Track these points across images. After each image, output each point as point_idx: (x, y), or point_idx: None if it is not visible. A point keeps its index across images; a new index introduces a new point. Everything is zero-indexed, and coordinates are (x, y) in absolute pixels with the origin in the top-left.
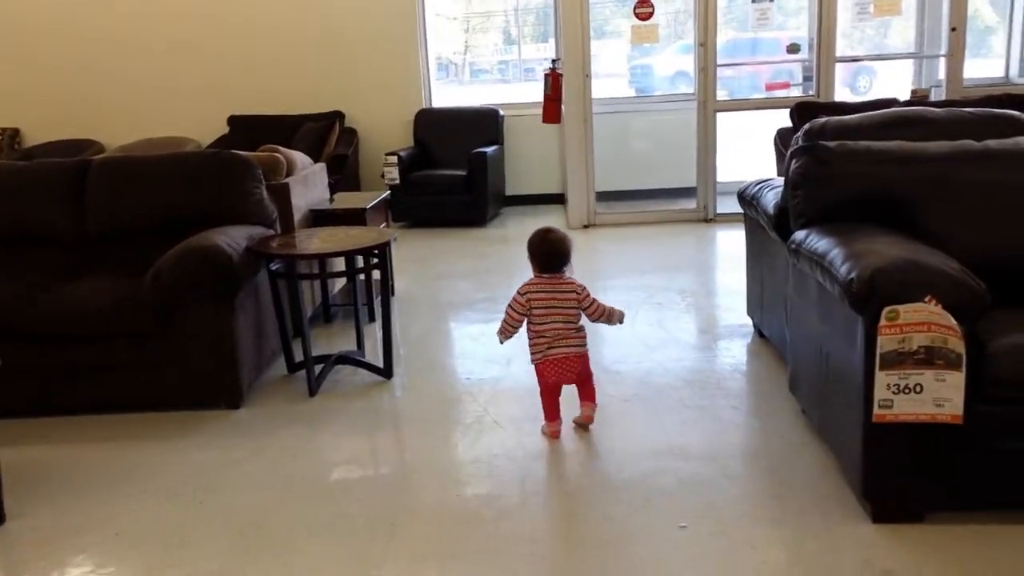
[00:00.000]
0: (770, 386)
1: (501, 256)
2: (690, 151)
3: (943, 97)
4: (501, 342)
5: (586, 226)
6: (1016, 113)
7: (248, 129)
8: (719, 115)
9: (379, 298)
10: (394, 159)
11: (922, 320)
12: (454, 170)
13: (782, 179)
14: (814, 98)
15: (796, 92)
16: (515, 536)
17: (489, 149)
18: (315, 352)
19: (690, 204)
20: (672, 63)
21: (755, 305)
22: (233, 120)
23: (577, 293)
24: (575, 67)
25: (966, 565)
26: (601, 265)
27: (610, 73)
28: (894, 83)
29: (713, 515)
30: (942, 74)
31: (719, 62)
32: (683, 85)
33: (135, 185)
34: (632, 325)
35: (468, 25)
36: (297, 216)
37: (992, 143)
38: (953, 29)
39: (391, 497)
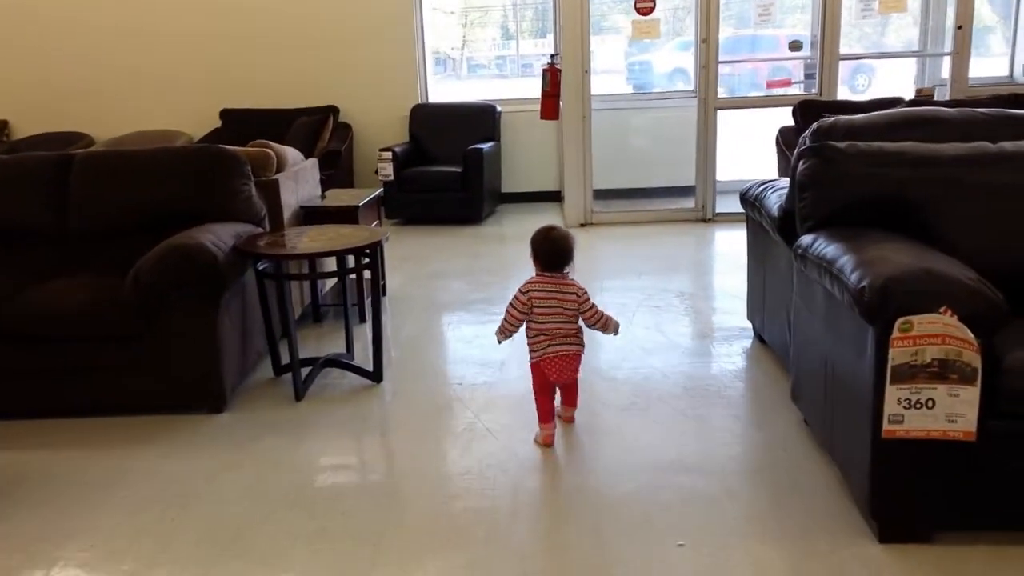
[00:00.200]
0: (771, 395)
1: (497, 255)
2: (689, 149)
3: (947, 96)
4: (499, 342)
5: (583, 225)
6: None
7: (241, 123)
8: (719, 113)
9: (370, 299)
10: (388, 155)
11: (936, 332)
12: (449, 167)
13: (786, 180)
14: (817, 96)
15: (797, 90)
16: (506, 554)
17: (485, 145)
18: (303, 354)
19: (688, 203)
20: (670, 60)
21: (756, 309)
22: (226, 113)
23: (577, 296)
24: (574, 62)
25: None
26: (598, 265)
27: (608, 69)
28: (893, 82)
29: (713, 533)
30: (944, 73)
31: (720, 59)
32: (681, 82)
33: (119, 181)
34: (629, 328)
35: (466, 19)
36: (287, 213)
37: (1008, 145)
38: (959, 27)
39: (377, 511)
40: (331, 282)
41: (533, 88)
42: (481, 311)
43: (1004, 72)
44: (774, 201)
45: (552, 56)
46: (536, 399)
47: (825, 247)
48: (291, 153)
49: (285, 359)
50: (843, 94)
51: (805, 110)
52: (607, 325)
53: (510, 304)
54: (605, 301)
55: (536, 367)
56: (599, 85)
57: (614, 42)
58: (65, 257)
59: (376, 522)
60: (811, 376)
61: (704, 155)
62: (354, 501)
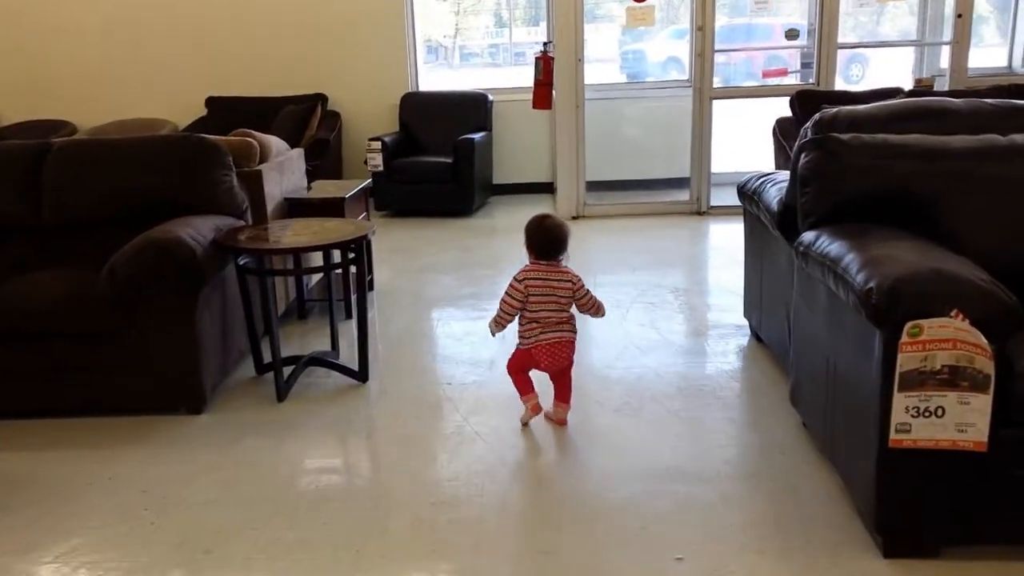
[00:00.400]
0: (769, 396)
1: (488, 248)
2: (683, 140)
3: (947, 87)
4: (493, 334)
5: (575, 217)
6: None
7: (227, 111)
8: (714, 103)
9: (356, 296)
10: (378, 145)
11: (947, 337)
12: (440, 157)
13: (786, 173)
14: (814, 86)
15: (794, 80)
16: (494, 565)
17: (477, 135)
18: (287, 351)
19: (683, 196)
20: (665, 48)
21: (753, 306)
22: (211, 101)
23: (572, 283)
24: (567, 51)
25: None
26: (591, 259)
27: (602, 58)
28: (888, 72)
29: (712, 546)
30: (942, 63)
31: (716, 47)
32: (675, 71)
33: (96, 171)
34: (622, 325)
35: (459, 7)
36: (271, 205)
37: (1018, 137)
38: (959, 16)
39: (360, 518)
40: (317, 277)
41: (526, 77)
42: (471, 306)
43: (1002, 62)
44: (773, 195)
45: (545, 44)
46: (513, 378)
47: (828, 244)
48: (275, 143)
49: (268, 357)
50: (838, 84)
51: (803, 100)
52: (598, 310)
53: (506, 294)
54: (599, 296)
55: (527, 354)
56: (593, 74)
57: (608, 30)
58: (39, 250)
59: (359, 530)
60: (811, 378)
61: (699, 146)
62: (336, 507)
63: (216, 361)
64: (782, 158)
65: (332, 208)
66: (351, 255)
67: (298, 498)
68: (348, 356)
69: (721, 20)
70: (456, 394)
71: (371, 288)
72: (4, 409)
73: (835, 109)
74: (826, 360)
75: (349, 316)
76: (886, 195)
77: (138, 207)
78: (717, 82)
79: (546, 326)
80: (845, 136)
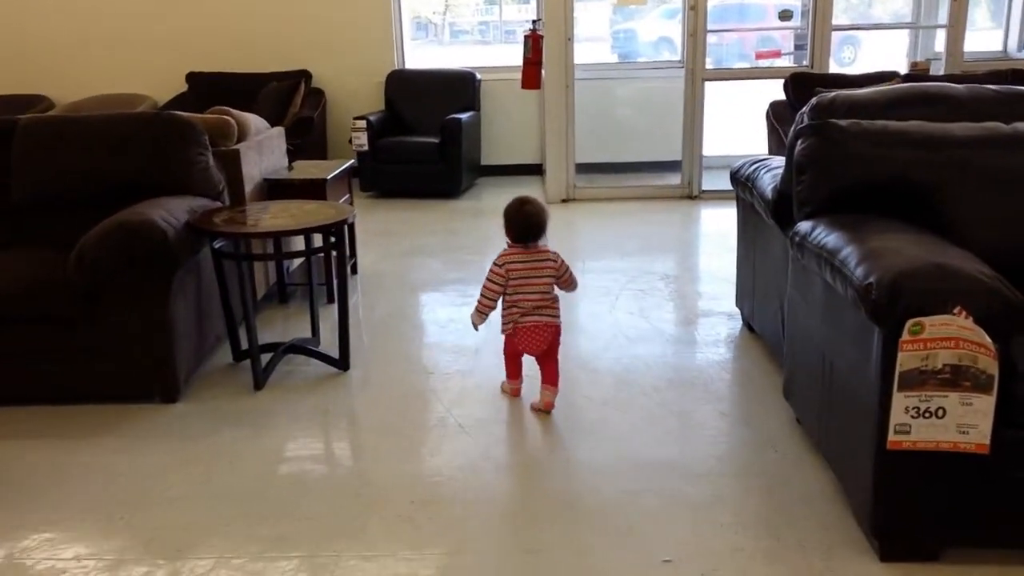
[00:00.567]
0: (761, 388)
1: (475, 231)
2: (675, 122)
3: (943, 71)
4: (476, 327)
5: (565, 200)
6: None
7: (208, 87)
8: (707, 85)
9: (337, 282)
10: (363, 124)
11: (950, 335)
12: (427, 137)
13: (781, 159)
14: (808, 69)
15: (787, 62)
16: (476, 566)
17: (464, 115)
18: (268, 337)
19: (674, 179)
20: (656, 28)
21: (745, 295)
22: (192, 77)
23: (554, 262)
24: (557, 30)
25: None
26: (579, 244)
27: (592, 37)
28: (881, 55)
29: (702, 547)
30: (938, 47)
31: (709, 28)
32: (667, 52)
33: (65, 149)
34: (611, 313)
35: None
36: (249, 186)
37: (1022, 125)
38: None
39: (338, 516)
40: (299, 260)
41: (516, 55)
42: (457, 292)
43: (996, 46)
44: (768, 182)
45: (534, 22)
46: (506, 364)
47: (825, 235)
48: (254, 121)
49: (246, 343)
50: (831, 67)
51: (797, 83)
52: (575, 284)
53: (487, 280)
54: (586, 283)
55: (508, 339)
56: (583, 54)
57: (599, 8)
58: (7, 231)
59: (336, 528)
60: (806, 373)
61: (691, 129)
62: (314, 504)
63: (191, 347)
64: (775, 142)
65: (313, 190)
66: (332, 239)
67: (274, 494)
68: (330, 343)
69: (714, 0)
70: (440, 384)
71: (354, 272)
72: None
73: (832, 93)
74: (821, 355)
75: (331, 300)
76: (886, 184)
77: (110, 187)
78: (709, 63)
79: (526, 310)
80: (844, 122)
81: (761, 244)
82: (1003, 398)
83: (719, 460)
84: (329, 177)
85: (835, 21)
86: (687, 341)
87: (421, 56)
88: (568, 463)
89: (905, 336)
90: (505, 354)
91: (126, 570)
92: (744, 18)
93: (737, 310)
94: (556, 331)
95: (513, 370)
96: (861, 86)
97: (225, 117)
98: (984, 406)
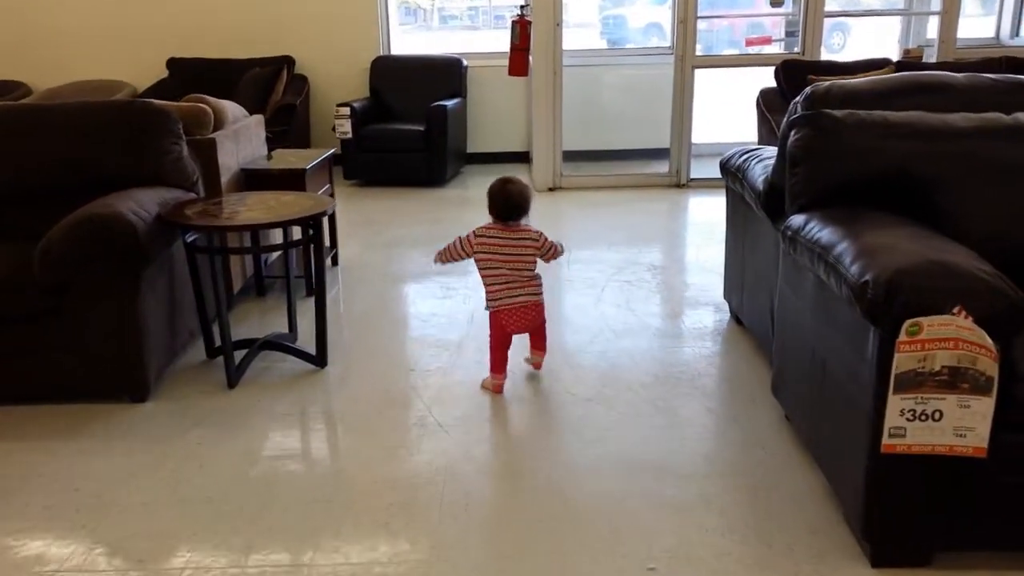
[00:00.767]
0: (749, 384)
1: (460, 221)
2: (664, 110)
3: (935, 58)
4: (434, 263)
5: (551, 189)
6: None
7: (189, 73)
8: (696, 72)
9: (315, 276)
10: (346, 111)
11: (949, 336)
12: (412, 124)
13: (772, 149)
14: (799, 56)
15: (777, 49)
16: (454, 573)
17: (450, 102)
18: (244, 332)
19: (662, 167)
20: (646, 14)
21: (733, 288)
22: (173, 63)
23: (535, 241)
24: (545, 15)
25: None
26: (566, 233)
27: (581, 23)
28: (871, 41)
29: (688, 554)
30: (930, 34)
31: (699, 14)
32: (655, 38)
33: (33, 139)
34: (597, 306)
35: None
36: (225, 177)
37: None
38: None
39: (311, 520)
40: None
41: (504, 41)
42: (441, 284)
43: (988, 33)
44: (759, 173)
45: (522, 7)
46: (491, 352)
47: (819, 230)
48: (231, 108)
49: (221, 340)
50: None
51: (788, 71)
52: (558, 253)
53: (460, 239)
54: (572, 275)
55: (494, 316)
56: (571, 40)
57: None
58: None
59: (309, 534)
60: (796, 370)
61: (680, 117)
62: (285, 509)
63: (162, 344)
64: (765, 130)
65: (292, 180)
66: (310, 232)
67: (244, 499)
68: (308, 337)
69: None
70: (420, 380)
71: (335, 263)
72: None
73: (827, 83)
74: (812, 352)
75: (311, 293)
76: (883, 177)
77: (79, 178)
78: (699, 50)
79: (511, 287)
80: (839, 112)
81: (751, 236)
82: (1002, 400)
83: (706, 459)
84: (309, 167)
85: (827, 7)
86: (674, 334)
87: (409, 42)
88: (550, 463)
89: (902, 337)
90: (491, 338)
91: (100, 572)
92: (734, 4)
93: (725, 302)
94: (540, 308)
95: (498, 360)
96: (854, 74)
97: (200, 105)
98: (983, 408)
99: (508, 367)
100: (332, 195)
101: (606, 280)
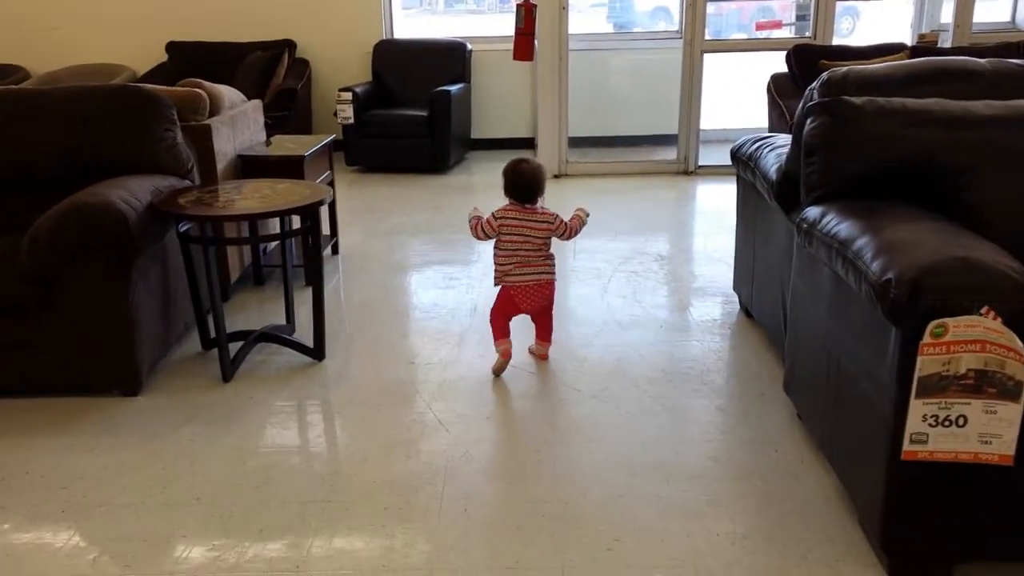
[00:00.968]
0: (760, 381)
1: (463, 209)
2: (672, 95)
3: (950, 43)
4: (471, 227)
5: (557, 176)
6: None
7: (188, 57)
8: (705, 56)
9: (313, 268)
10: (348, 96)
11: (975, 338)
12: (415, 110)
13: (785, 137)
14: (811, 40)
15: (788, 33)
16: None
17: (454, 87)
18: (241, 323)
19: (670, 154)
20: None
21: (743, 280)
22: (172, 47)
23: (550, 223)
24: None
25: None
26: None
27: (587, 6)
28: (881, 26)
29: (696, 564)
30: (943, 18)
31: None
32: (663, 22)
33: (24, 125)
34: (603, 297)
35: None
36: (221, 164)
37: None
38: None
39: (304, 524)
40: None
41: (509, 25)
42: (443, 274)
43: (1004, 17)
44: (772, 162)
45: None
46: (493, 322)
47: (837, 224)
48: (228, 93)
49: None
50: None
51: (800, 55)
52: (576, 231)
53: (481, 223)
54: (577, 265)
55: (504, 291)
56: (577, 23)
57: None
58: None
59: (302, 539)
60: (809, 367)
61: (688, 103)
62: (278, 511)
63: (155, 336)
64: (776, 116)
65: (290, 167)
66: (308, 222)
67: (236, 499)
68: (306, 328)
69: None
70: (420, 375)
71: (335, 252)
72: None
73: (844, 68)
74: (827, 351)
75: (308, 283)
76: (904, 167)
77: (70, 165)
78: (708, 34)
79: (524, 264)
80: (858, 100)
81: (762, 227)
82: None
83: (715, 461)
84: (307, 153)
85: None
86: (682, 328)
87: (414, 26)
88: (553, 465)
89: (926, 339)
90: (493, 311)
91: None
92: None
93: (735, 294)
94: (551, 288)
95: (501, 328)
96: (868, 59)
97: (196, 90)
98: (1011, 415)
99: (512, 362)
100: (332, 182)
101: (612, 270)
